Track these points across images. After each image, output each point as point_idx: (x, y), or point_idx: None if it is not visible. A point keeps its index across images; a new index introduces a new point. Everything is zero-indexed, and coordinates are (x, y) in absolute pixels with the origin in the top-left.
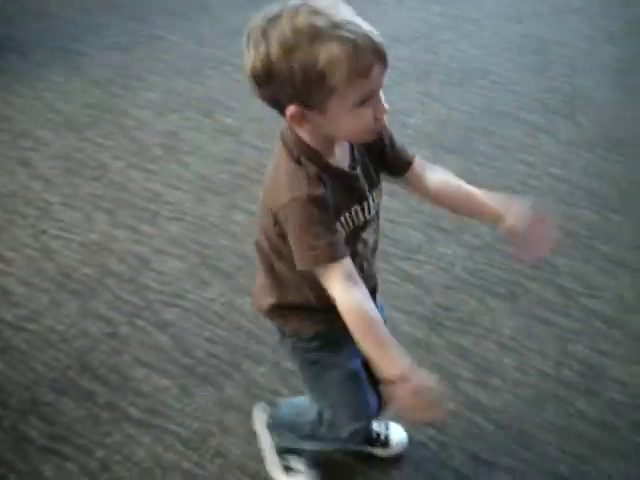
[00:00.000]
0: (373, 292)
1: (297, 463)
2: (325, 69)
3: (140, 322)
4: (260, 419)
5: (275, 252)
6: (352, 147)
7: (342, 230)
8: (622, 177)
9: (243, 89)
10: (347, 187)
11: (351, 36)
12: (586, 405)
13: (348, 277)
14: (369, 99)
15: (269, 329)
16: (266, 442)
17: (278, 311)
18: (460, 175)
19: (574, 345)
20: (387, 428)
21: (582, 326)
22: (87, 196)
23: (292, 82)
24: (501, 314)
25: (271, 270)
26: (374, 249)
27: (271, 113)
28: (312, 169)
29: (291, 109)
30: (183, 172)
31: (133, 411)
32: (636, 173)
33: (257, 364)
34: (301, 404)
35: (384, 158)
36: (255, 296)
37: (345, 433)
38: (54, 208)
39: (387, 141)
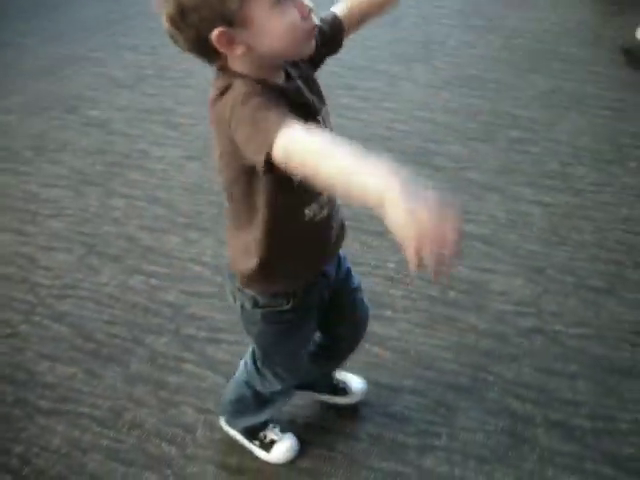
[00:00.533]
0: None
1: (271, 434)
2: None
3: (37, 318)
4: (223, 424)
5: (248, 198)
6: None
7: None
8: (480, 109)
9: (105, 80)
10: (294, 105)
11: None
12: (476, 319)
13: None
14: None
15: (164, 301)
16: (237, 436)
17: (262, 272)
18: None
19: (457, 268)
20: (345, 379)
21: (462, 250)
22: None
23: (204, 4)
24: (384, 250)
25: (247, 226)
26: None
27: (136, 101)
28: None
29: (215, 33)
30: (57, 169)
31: (43, 403)
32: (492, 104)
33: (158, 336)
34: (232, 386)
35: (327, 45)
36: (234, 263)
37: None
38: None
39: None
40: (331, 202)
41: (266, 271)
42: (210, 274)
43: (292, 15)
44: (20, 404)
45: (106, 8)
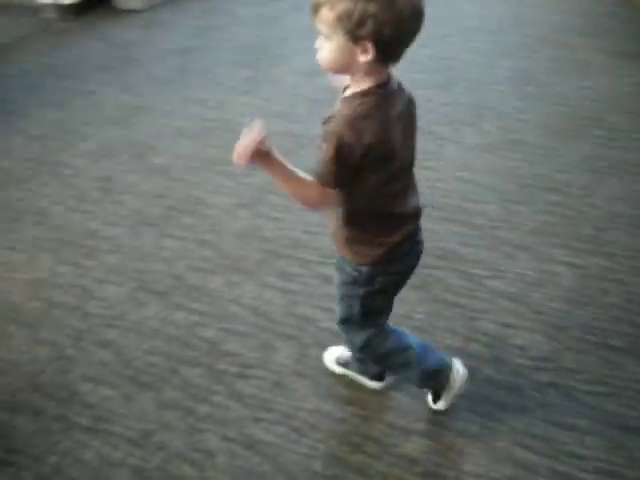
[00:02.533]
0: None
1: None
2: None
3: (83, 343)
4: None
5: None
6: None
7: None
8: (520, 172)
9: (170, 130)
10: None
11: None
12: (494, 371)
13: None
14: None
15: (202, 337)
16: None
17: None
18: None
19: (481, 322)
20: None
21: (488, 305)
22: (31, 239)
23: None
24: (413, 302)
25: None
26: None
27: (198, 151)
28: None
29: None
30: (119, 209)
31: (81, 420)
32: (533, 167)
33: (193, 367)
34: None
35: None
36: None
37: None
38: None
39: None
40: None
41: None
42: (247, 314)
43: None
44: (60, 419)
45: (176, 65)
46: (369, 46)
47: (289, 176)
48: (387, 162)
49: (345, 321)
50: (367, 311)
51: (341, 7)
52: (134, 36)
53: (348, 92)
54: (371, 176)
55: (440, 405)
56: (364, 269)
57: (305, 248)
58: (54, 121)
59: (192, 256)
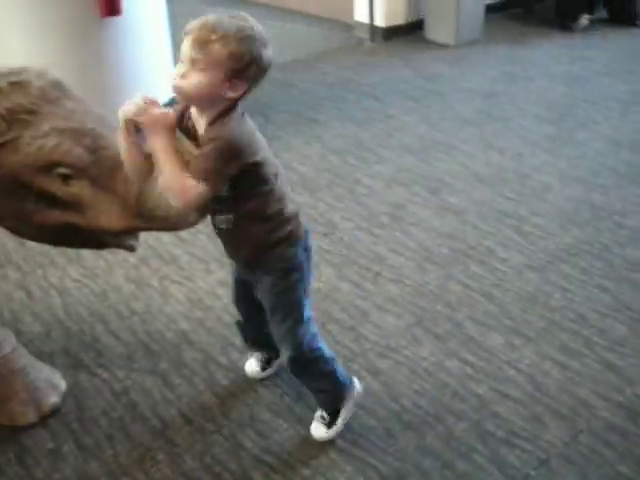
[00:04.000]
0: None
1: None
2: None
3: (355, 366)
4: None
5: None
6: None
7: None
8: None
9: (468, 173)
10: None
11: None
12: None
13: None
14: (181, 61)
15: (473, 392)
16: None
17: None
18: None
19: None
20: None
21: None
22: (316, 248)
23: None
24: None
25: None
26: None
27: (493, 200)
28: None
29: None
30: (407, 241)
31: (340, 441)
32: None
33: (458, 420)
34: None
35: None
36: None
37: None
38: None
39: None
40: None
41: None
42: (522, 381)
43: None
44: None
45: (479, 107)
46: (243, 85)
47: (173, 160)
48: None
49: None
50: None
51: (235, 48)
52: (440, 70)
53: (206, 121)
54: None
55: (336, 429)
56: (289, 251)
57: (591, 328)
58: (353, 137)
59: (475, 307)
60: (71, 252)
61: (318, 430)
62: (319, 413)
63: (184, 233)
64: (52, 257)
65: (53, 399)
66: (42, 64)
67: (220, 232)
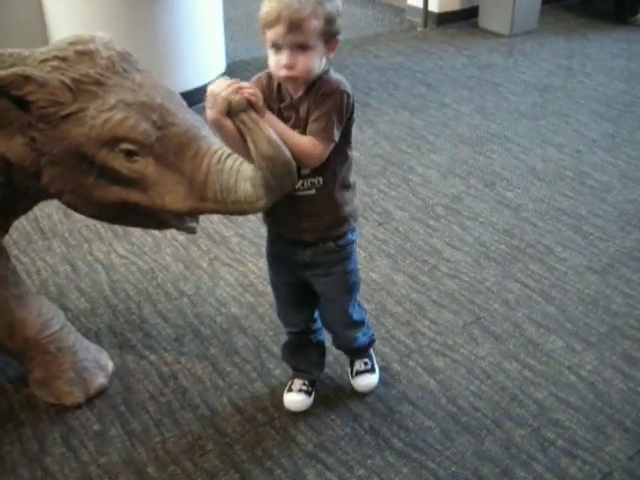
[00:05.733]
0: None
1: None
2: (262, 19)
3: (411, 363)
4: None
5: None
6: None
7: None
8: None
9: (525, 168)
10: (278, 110)
11: (277, 7)
12: None
13: None
14: (278, 48)
15: (533, 397)
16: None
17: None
18: None
19: None
20: (366, 371)
21: None
22: (371, 237)
23: None
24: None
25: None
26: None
27: (551, 197)
28: (263, 81)
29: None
30: (463, 235)
31: (396, 442)
32: None
33: (518, 426)
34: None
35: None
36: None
37: None
38: None
39: (313, 110)
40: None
41: None
42: (583, 388)
43: (272, 61)
44: (374, 433)
45: (535, 100)
46: (337, 41)
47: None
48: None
49: (358, 317)
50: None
51: (324, 15)
52: (494, 59)
53: (303, 88)
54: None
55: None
56: (353, 226)
57: None
58: (406, 124)
59: (535, 307)
60: (118, 227)
61: (369, 379)
62: (361, 366)
63: None
64: (98, 231)
65: (100, 380)
66: (95, 33)
67: (300, 200)
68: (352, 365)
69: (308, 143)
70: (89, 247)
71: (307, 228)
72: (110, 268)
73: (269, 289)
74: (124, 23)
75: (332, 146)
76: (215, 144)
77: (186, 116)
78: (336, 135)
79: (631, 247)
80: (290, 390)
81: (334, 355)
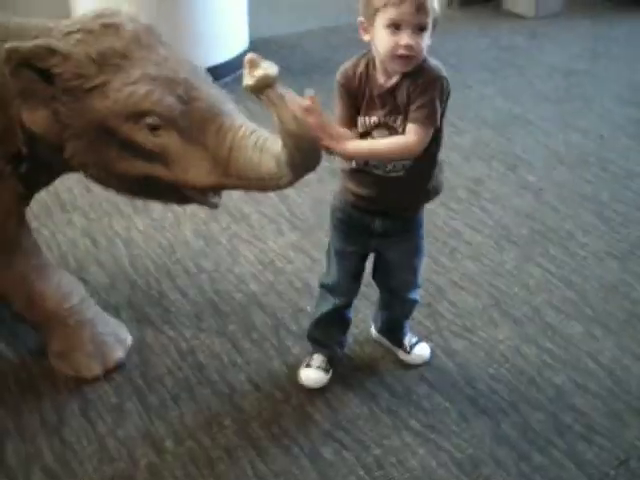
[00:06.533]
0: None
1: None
2: None
3: (429, 344)
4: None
5: None
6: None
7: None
8: None
9: (547, 152)
10: (370, 97)
11: None
12: None
13: None
14: (397, 27)
15: (551, 381)
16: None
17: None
18: None
19: None
20: (417, 342)
21: None
22: None
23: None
24: None
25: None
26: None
27: (573, 182)
28: (361, 66)
29: (358, 19)
30: (485, 218)
31: (413, 422)
32: None
33: (535, 410)
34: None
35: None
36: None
37: None
38: None
39: (416, 97)
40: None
41: None
42: (601, 374)
43: (391, 41)
44: (392, 414)
45: (559, 84)
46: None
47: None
48: None
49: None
50: None
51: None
52: (519, 42)
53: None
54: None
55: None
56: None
57: None
58: None
59: (554, 292)
60: (138, 202)
61: (424, 348)
62: (412, 339)
63: None
64: (118, 205)
65: (119, 353)
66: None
67: (388, 181)
68: (401, 345)
69: (403, 139)
70: (109, 221)
71: (391, 204)
72: (130, 243)
73: (288, 267)
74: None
75: (433, 130)
76: (239, 120)
77: (211, 91)
78: (438, 120)
79: None
80: (309, 366)
81: (352, 335)
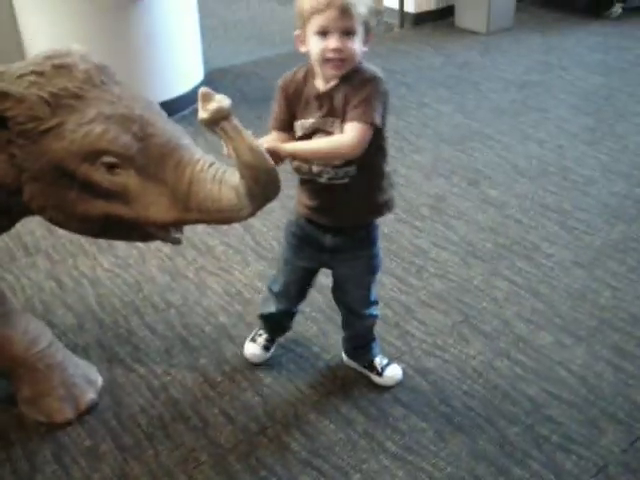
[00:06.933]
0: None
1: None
2: (301, 4)
3: (402, 365)
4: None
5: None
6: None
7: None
8: None
9: (507, 165)
10: (307, 101)
11: None
12: None
13: None
14: (325, 33)
15: (524, 393)
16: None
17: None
18: None
19: None
20: (388, 364)
21: None
22: None
23: (298, 12)
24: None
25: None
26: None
27: (535, 193)
28: (300, 73)
29: (295, 33)
30: (449, 234)
31: (390, 445)
32: None
33: (511, 423)
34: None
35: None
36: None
37: None
38: None
39: (351, 97)
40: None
41: None
42: (574, 382)
43: (320, 46)
44: (368, 437)
45: (514, 97)
46: (371, 36)
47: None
48: None
49: (375, 296)
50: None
51: (367, 4)
52: (472, 58)
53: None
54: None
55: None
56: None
57: None
58: (388, 127)
59: (523, 304)
60: (102, 240)
61: (395, 369)
62: (382, 361)
63: None
64: (82, 245)
65: (90, 395)
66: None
67: (334, 189)
68: (372, 368)
69: (342, 136)
70: (74, 262)
71: (342, 215)
72: (96, 282)
73: (256, 297)
74: (100, 34)
75: (373, 131)
76: (197, 153)
77: (166, 126)
78: (378, 119)
79: (616, 240)
80: (253, 340)
81: (324, 360)
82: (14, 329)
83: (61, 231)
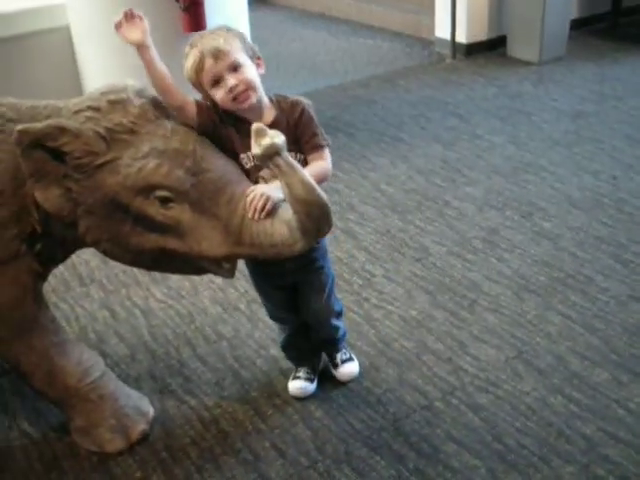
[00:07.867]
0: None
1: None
2: (187, 72)
3: (454, 401)
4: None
5: None
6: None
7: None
8: None
9: (561, 197)
10: (241, 137)
11: (198, 49)
12: None
13: None
14: (217, 81)
15: (580, 432)
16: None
17: None
18: None
19: None
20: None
21: None
22: (408, 274)
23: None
24: None
25: None
26: None
27: (588, 225)
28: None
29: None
30: (502, 268)
31: None
32: None
33: (566, 463)
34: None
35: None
36: None
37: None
38: (376, 280)
39: (302, 131)
40: None
41: None
42: (633, 421)
43: (220, 93)
44: (419, 474)
45: (568, 127)
46: (261, 62)
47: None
48: None
49: (338, 308)
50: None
51: (234, 35)
52: (525, 88)
53: (264, 102)
54: None
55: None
56: None
57: None
58: (440, 157)
59: (577, 339)
60: (155, 272)
61: (351, 367)
62: (343, 356)
63: None
64: (136, 276)
65: (142, 426)
66: (127, 81)
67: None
68: (333, 359)
69: (322, 163)
70: (127, 292)
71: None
72: (148, 313)
73: None
74: None
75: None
76: (250, 188)
77: (219, 161)
78: (327, 138)
79: None
80: (295, 378)
81: (375, 395)
82: (68, 359)
83: (115, 262)
